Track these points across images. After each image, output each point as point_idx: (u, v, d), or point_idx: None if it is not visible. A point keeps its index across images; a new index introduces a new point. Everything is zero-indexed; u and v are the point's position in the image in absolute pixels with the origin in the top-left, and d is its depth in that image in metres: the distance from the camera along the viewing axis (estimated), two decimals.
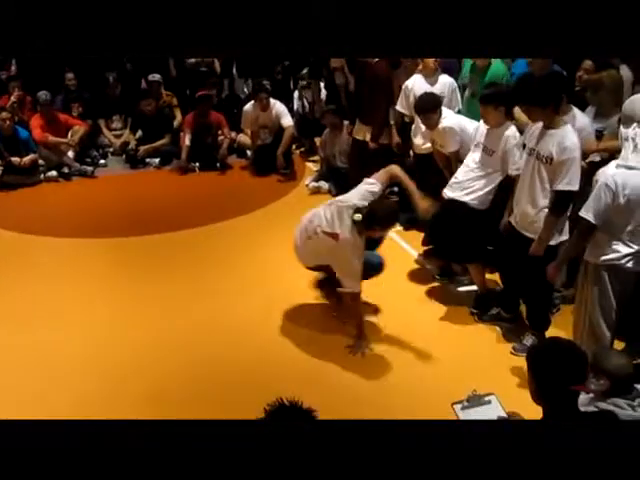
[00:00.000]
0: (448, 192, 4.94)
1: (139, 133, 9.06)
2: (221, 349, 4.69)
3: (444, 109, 5.46)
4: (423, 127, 5.72)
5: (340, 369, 4.43)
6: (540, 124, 4.13)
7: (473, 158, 4.86)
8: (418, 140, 6.00)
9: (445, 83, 6.00)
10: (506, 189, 4.66)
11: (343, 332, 4.80)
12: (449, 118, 5.39)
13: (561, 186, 3.99)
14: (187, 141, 8.50)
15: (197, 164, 8.61)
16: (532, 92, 4.25)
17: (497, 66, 5.80)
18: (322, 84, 8.69)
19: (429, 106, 5.34)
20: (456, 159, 5.27)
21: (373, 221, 4.43)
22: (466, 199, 4.82)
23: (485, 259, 4.96)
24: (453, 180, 4.97)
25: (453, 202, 4.89)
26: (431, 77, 6.03)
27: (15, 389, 4.27)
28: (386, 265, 4.89)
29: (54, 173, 8.37)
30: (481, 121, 4.90)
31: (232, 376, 4.39)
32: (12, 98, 8.68)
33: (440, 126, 5.32)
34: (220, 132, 8.74)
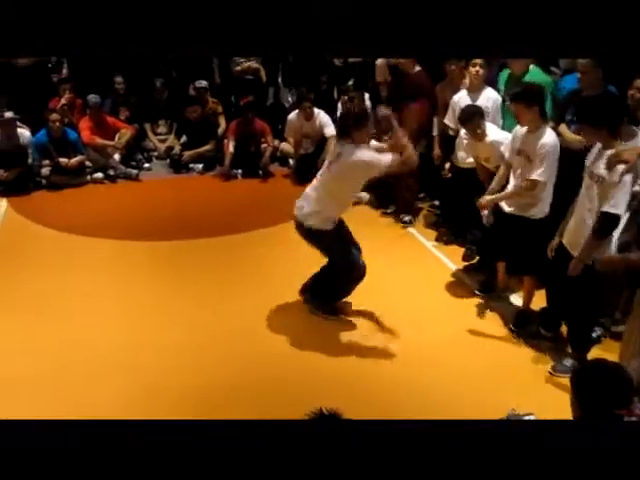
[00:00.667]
0: (505, 206, 4.88)
1: (184, 138, 9.19)
2: (258, 354, 4.72)
3: (488, 124, 5.42)
4: (465, 141, 5.71)
5: (374, 378, 4.42)
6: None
7: (517, 167, 4.79)
8: (461, 154, 5.97)
9: (489, 97, 5.91)
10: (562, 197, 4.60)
11: (380, 342, 4.81)
12: (494, 132, 5.36)
13: (606, 208, 3.93)
14: (231, 148, 8.59)
15: (240, 171, 8.69)
16: (583, 110, 4.20)
17: (535, 74, 5.66)
18: (367, 96, 8.70)
19: (470, 116, 5.31)
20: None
21: (347, 121, 4.80)
22: (522, 213, 4.77)
23: (540, 272, 4.89)
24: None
25: (509, 215, 4.85)
26: (475, 92, 5.97)
27: (53, 386, 4.35)
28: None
29: (100, 175, 8.53)
30: (517, 126, 4.83)
31: (267, 383, 4.41)
32: (62, 100, 8.87)
33: (486, 140, 5.31)
34: (263, 140, 8.81)
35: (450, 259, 6.13)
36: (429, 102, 6.62)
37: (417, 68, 6.60)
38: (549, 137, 4.59)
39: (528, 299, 5.07)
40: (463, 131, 5.63)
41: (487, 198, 4.96)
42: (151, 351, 4.76)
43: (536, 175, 4.58)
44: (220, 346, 4.82)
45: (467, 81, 6.12)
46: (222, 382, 4.40)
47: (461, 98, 6.04)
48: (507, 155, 4.92)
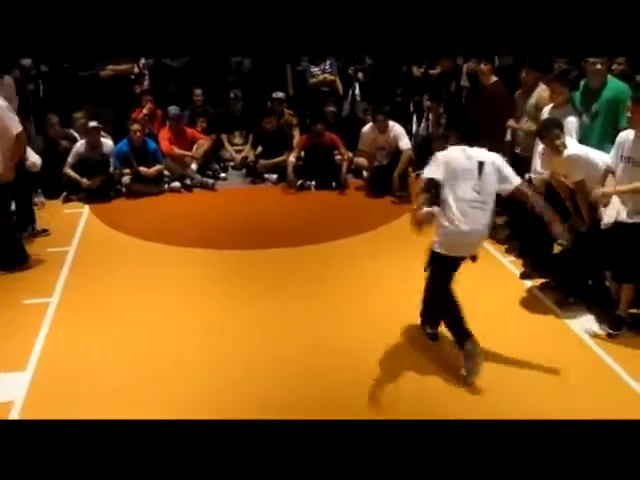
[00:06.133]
0: (628, 219, 4.81)
1: (259, 149, 9.31)
2: (322, 366, 4.67)
3: (567, 138, 5.22)
4: (541, 157, 5.53)
5: (441, 394, 4.33)
6: None
7: (624, 175, 4.78)
8: (537, 170, 5.77)
9: (569, 120, 5.65)
10: None
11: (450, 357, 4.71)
12: (573, 147, 5.16)
13: None
14: (291, 158, 8.75)
15: (313, 182, 8.73)
16: None
17: (615, 84, 5.48)
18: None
19: (550, 127, 5.12)
20: (581, 190, 5.05)
21: None
22: None
23: None
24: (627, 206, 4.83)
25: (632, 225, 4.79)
26: (560, 108, 5.74)
27: (115, 390, 4.44)
28: None
29: (177, 184, 8.73)
30: (625, 132, 4.81)
31: (331, 393, 4.37)
32: (144, 111, 9.15)
33: (564, 154, 5.10)
34: (336, 152, 8.81)
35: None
36: (505, 112, 6.47)
37: (494, 79, 6.48)
38: None
39: (626, 306, 5.01)
40: (540, 147, 5.45)
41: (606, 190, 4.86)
42: (216, 360, 4.80)
43: None
44: (285, 358, 4.80)
45: (550, 97, 5.91)
46: (294, 395, 4.39)
47: (544, 114, 5.87)
48: (609, 162, 4.94)
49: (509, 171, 4.55)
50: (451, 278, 4.54)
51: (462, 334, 4.46)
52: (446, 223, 4.42)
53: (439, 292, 4.60)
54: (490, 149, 6.41)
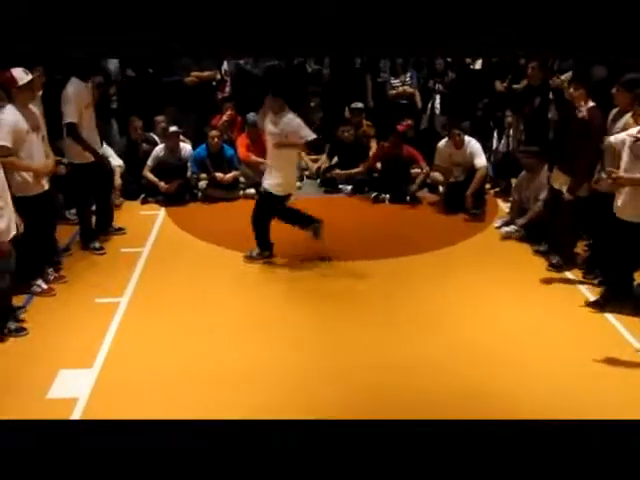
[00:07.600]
0: None
1: (335, 159, 9.27)
2: (380, 383, 4.61)
3: None
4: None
5: None
6: None
7: None
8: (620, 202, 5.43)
9: None
10: None
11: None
12: None
13: None
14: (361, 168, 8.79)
15: (387, 195, 8.63)
16: None
17: None
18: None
19: None
20: None
21: None
22: None
23: None
24: None
25: None
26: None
27: (178, 393, 4.50)
28: None
29: (252, 191, 8.78)
30: None
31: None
32: (224, 117, 9.26)
33: None
34: (415, 165, 8.69)
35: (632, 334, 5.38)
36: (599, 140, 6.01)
37: (590, 104, 6.06)
38: None
39: None
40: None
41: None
42: (277, 367, 4.80)
43: None
44: (342, 369, 4.76)
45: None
46: (345, 405, 4.32)
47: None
48: None
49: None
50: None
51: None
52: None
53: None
54: (579, 175, 6.14)
